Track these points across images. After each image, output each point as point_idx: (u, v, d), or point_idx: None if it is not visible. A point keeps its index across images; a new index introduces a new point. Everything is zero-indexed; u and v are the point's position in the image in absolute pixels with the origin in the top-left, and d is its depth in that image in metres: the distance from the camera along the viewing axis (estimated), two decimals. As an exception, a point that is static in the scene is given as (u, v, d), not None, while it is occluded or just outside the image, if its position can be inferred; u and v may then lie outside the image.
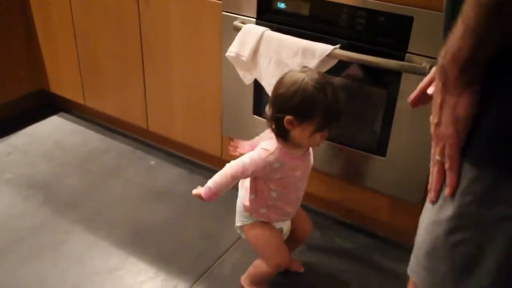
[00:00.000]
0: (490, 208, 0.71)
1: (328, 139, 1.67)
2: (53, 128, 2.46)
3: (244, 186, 1.42)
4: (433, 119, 0.74)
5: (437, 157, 0.75)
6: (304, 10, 1.55)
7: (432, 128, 0.75)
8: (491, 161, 0.69)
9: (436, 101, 0.73)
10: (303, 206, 1.57)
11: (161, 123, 2.15)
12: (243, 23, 1.66)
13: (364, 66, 1.51)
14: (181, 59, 1.93)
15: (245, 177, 1.35)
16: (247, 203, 1.40)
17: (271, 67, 1.60)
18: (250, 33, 1.61)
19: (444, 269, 0.78)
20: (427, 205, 0.81)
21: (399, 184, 1.60)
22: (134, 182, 2.07)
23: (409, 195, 1.60)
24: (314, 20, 1.55)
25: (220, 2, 1.71)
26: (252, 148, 1.36)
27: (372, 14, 1.43)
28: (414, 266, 0.84)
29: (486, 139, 0.69)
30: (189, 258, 1.69)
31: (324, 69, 1.50)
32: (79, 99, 2.40)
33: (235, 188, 1.44)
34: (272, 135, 1.31)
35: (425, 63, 1.37)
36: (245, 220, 1.44)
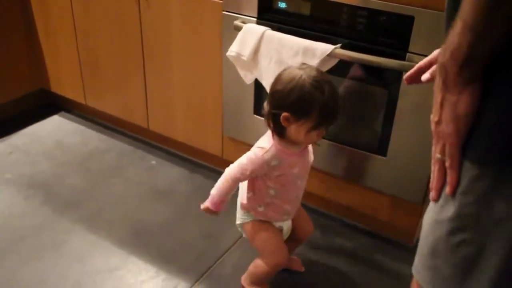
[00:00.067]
0: (490, 209, 0.70)
1: (329, 138, 1.68)
2: (54, 128, 2.46)
3: (242, 184, 1.42)
4: (433, 117, 0.74)
5: (438, 155, 0.75)
6: (305, 9, 1.55)
7: (432, 126, 0.75)
8: (491, 160, 0.69)
9: (437, 99, 0.72)
10: (303, 206, 1.57)
11: (162, 123, 2.15)
12: (244, 22, 1.65)
13: (365, 65, 1.51)
14: (182, 59, 1.93)
15: (246, 178, 1.35)
16: (245, 201, 1.41)
17: (271, 66, 1.60)
18: (251, 32, 1.61)
19: (446, 270, 0.78)
20: (431, 204, 0.81)
21: (400, 183, 1.60)
22: (134, 182, 2.07)
23: (409, 195, 1.60)
24: (314, 19, 1.55)
25: (221, 1, 1.71)
26: None
27: (373, 13, 1.43)
28: (418, 266, 0.84)
29: (486, 137, 0.69)
30: (189, 257, 1.69)
31: (325, 68, 1.50)
32: (79, 99, 2.40)
33: (236, 188, 1.44)
34: (269, 132, 1.32)
35: (426, 63, 1.36)
36: (245, 218, 1.44)
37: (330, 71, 1.50)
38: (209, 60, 1.85)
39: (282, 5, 1.59)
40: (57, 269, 1.62)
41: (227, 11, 1.71)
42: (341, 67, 1.52)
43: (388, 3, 1.39)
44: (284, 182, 1.35)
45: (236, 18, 1.68)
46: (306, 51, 1.51)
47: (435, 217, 0.78)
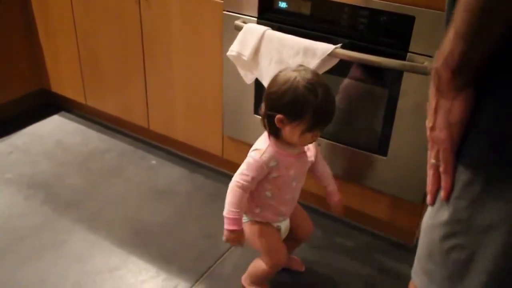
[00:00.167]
0: (482, 213, 0.70)
1: (329, 138, 1.68)
2: (54, 128, 2.46)
3: None
4: (428, 123, 0.75)
5: (433, 161, 0.76)
6: (306, 9, 1.55)
7: (427, 132, 0.76)
8: (483, 164, 0.69)
9: (431, 105, 0.73)
10: (303, 205, 1.57)
11: (162, 123, 2.15)
12: (244, 22, 1.65)
13: (365, 65, 1.51)
14: (182, 59, 1.93)
15: (250, 184, 1.31)
16: None
17: (272, 66, 1.60)
18: (251, 32, 1.61)
19: (441, 274, 0.78)
20: (429, 208, 0.81)
21: (400, 183, 1.60)
22: (135, 182, 2.07)
23: (410, 195, 1.59)
24: (315, 19, 1.55)
25: (221, 1, 1.71)
26: None
27: (373, 13, 1.43)
28: (417, 269, 0.85)
29: (479, 141, 0.69)
30: (190, 257, 1.68)
31: (325, 68, 1.50)
32: (80, 99, 2.40)
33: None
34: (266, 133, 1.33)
35: (426, 63, 1.36)
36: (243, 218, 1.44)
37: (331, 71, 1.50)
38: (210, 60, 1.85)
39: (283, 5, 1.59)
40: (57, 269, 1.62)
41: (227, 11, 1.71)
42: (341, 67, 1.52)
43: (389, 3, 1.39)
44: (281, 184, 1.35)
45: (237, 18, 1.68)
46: (306, 51, 1.51)
47: (430, 221, 0.79)
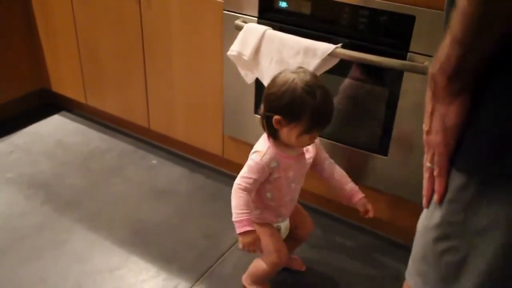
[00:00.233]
0: (474, 217, 0.71)
1: (330, 138, 1.68)
2: (55, 127, 2.46)
3: None
4: (424, 126, 0.75)
5: (428, 164, 0.76)
6: (306, 9, 1.55)
7: (424, 136, 0.76)
8: (477, 169, 0.69)
9: (428, 109, 0.74)
10: (304, 205, 1.57)
11: (163, 122, 2.15)
12: (245, 22, 1.65)
13: (365, 65, 1.51)
14: (183, 58, 1.93)
15: (253, 186, 1.31)
16: None
17: (272, 66, 1.60)
18: (252, 32, 1.61)
19: (434, 275, 0.79)
20: (424, 210, 0.82)
21: (401, 183, 1.60)
22: (135, 181, 2.07)
23: (410, 194, 1.59)
24: (315, 19, 1.55)
25: (222, 1, 1.71)
26: None
27: (374, 13, 1.43)
28: (411, 270, 0.85)
29: (476, 143, 0.69)
30: (190, 257, 1.68)
31: (326, 68, 1.50)
32: (80, 98, 2.40)
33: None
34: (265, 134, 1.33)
35: (427, 62, 1.36)
36: None
37: (331, 71, 1.50)
38: (210, 60, 1.85)
39: (283, 4, 1.59)
40: (58, 269, 1.62)
41: (228, 11, 1.71)
42: (342, 67, 1.52)
43: (389, 2, 1.39)
44: (280, 185, 1.35)
45: (237, 18, 1.68)
46: (307, 51, 1.51)
47: (425, 223, 0.79)
